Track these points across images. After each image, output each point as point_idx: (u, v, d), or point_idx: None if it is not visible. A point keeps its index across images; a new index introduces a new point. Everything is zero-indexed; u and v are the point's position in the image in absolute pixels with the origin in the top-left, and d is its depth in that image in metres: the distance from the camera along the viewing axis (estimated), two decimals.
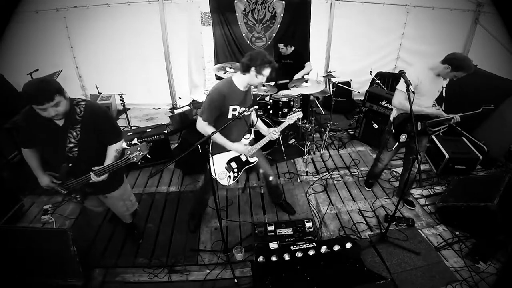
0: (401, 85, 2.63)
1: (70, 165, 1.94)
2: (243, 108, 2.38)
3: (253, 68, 2.20)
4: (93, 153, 1.95)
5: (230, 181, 2.56)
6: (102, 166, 1.90)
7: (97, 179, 1.91)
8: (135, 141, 1.87)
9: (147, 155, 1.90)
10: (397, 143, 2.84)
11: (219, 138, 2.35)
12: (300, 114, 2.56)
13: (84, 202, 2.32)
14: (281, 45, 4.13)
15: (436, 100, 2.78)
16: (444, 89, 2.68)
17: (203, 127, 2.31)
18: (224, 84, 2.32)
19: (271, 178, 2.79)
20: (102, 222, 2.96)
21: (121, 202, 2.43)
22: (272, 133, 2.49)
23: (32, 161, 2.02)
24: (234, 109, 2.33)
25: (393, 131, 2.84)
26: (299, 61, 4.24)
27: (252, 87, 2.50)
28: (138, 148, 1.83)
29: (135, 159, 1.84)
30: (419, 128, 2.75)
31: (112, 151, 1.98)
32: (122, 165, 1.86)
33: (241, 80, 2.32)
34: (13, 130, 3.52)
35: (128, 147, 1.82)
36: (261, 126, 2.68)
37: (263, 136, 2.56)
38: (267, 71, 2.23)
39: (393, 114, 2.90)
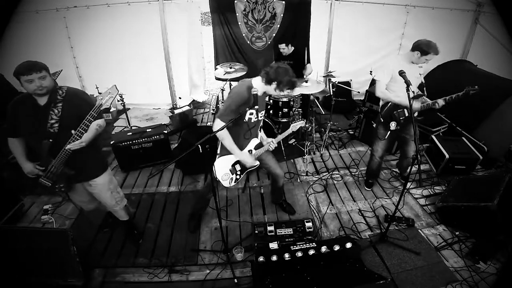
0: (377, 76, 2.86)
1: (50, 140, 2.02)
2: (261, 113, 2.46)
3: (275, 83, 2.22)
4: (72, 129, 1.99)
5: (232, 183, 2.57)
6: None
7: (75, 143, 1.97)
8: (104, 90, 1.98)
9: (119, 96, 1.98)
10: (389, 131, 2.94)
11: (228, 142, 2.35)
12: (302, 123, 2.61)
13: (69, 196, 2.33)
14: (282, 46, 4.10)
15: (418, 87, 2.86)
16: (422, 75, 2.82)
17: (218, 125, 2.28)
18: (245, 87, 2.30)
19: (279, 179, 2.81)
20: (102, 221, 2.96)
21: (109, 192, 2.44)
22: (270, 144, 2.53)
23: (17, 149, 2.16)
24: (251, 113, 2.37)
25: (382, 120, 2.96)
26: (299, 62, 4.24)
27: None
28: (109, 91, 1.94)
29: (108, 103, 1.96)
30: (406, 115, 2.84)
31: (94, 125, 2.05)
32: (95, 115, 1.93)
33: (260, 86, 2.33)
34: None
35: (99, 94, 1.90)
36: (261, 134, 2.70)
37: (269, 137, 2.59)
38: (287, 90, 2.27)
39: (380, 103, 3.01)
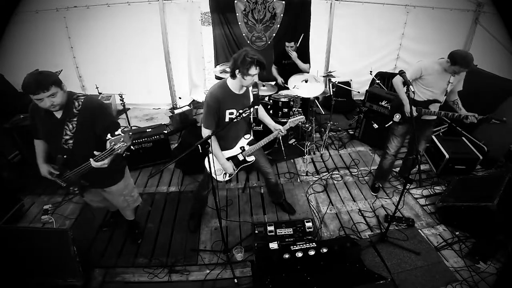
0: (409, 69, 2.74)
1: (65, 156, 1.97)
2: (241, 110, 2.38)
3: (237, 71, 2.14)
4: (87, 147, 1.90)
5: (226, 177, 2.58)
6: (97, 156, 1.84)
7: (95, 164, 1.84)
8: (118, 131, 1.77)
9: (131, 146, 1.83)
10: (391, 122, 3.02)
11: (213, 145, 2.30)
12: (302, 119, 2.52)
13: (83, 195, 2.31)
14: (291, 44, 4.04)
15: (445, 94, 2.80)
16: (453, 85, 2.72)
17: (205, 135, 2.29)
18: (218, 87, 2.29)
19: (270, 176, 2.79)
20: (103, 221, 2.96)
21: (121, 197, 2.42)
22: (279, 132, 2.45)
23: (38, 150, 2.12)
24: (231, 113, 2.30)
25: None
26: (302, 57, 4.21)
27: (251, 88, 2.43)
28: (122, 139, 1.74)
29: (120, 150, 1.76)
30: (415, 114, 2.74)
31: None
32: (104, 157, 1.80)
33: (234, 83, 2.28)
34: (13, 130, 3.52)
35: (111, 137, 1.74)
36: (268, 121, 2.64)
37: (263, 136, 2.55)
38: (253, 70, 2.12)
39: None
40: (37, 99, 1.74)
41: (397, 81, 2.86)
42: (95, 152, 1.82)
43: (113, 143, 1.72)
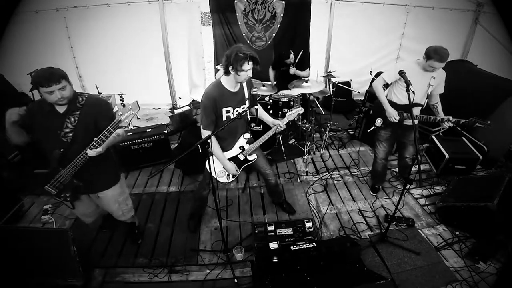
0: (385, 74, 2.80)
1: (62, 150, 1.96)
2: (243, 107, 2.37)
3: (231, 68, 2.15)
4: (86, 142, 1.90)
5: (230, 178, 2.59)
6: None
7: (91, 152, 1.88)
8: (124, 105, 1.81)
9: (137, 116, 1.85)
10: (373, 126, 3.01)
11: (214, 146, 2.32)
12: (301, 110, 2.51)
13: (74, 207, 2.26)
14: (289, 60, 3.98)
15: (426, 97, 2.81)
16: (433, 87, 2.71)
17: (205, 135, 2.29)
18: (213, 86, 2.30)
19: (270, 177, 2.79)
20: (102, 222, 2.96)
21: (116, 204, 2.40)
22: (277, 127, 2.43)
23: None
24: (228, 111, 2.32)
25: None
26: (300, 67, 4.21)
27: (244, 84, 2.42)
28: (130, 107, 1.78)
29: (127, 120, 1.79)
30: (398, 118, 2.79)
31: (113, 134, 1.95)
32: (112, 131, 1.82)
33: (228, 81, 2.28)
34: None
35: (118, 109, 1.76)
36: (267, 118, 2.63)
37: (262, 134, 2.54)
38: (246, 66, 2.11)
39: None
40: (48, 92, 1.79)
41: (377, 84, 2.84)
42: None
43: (120, 113, 1.78)
